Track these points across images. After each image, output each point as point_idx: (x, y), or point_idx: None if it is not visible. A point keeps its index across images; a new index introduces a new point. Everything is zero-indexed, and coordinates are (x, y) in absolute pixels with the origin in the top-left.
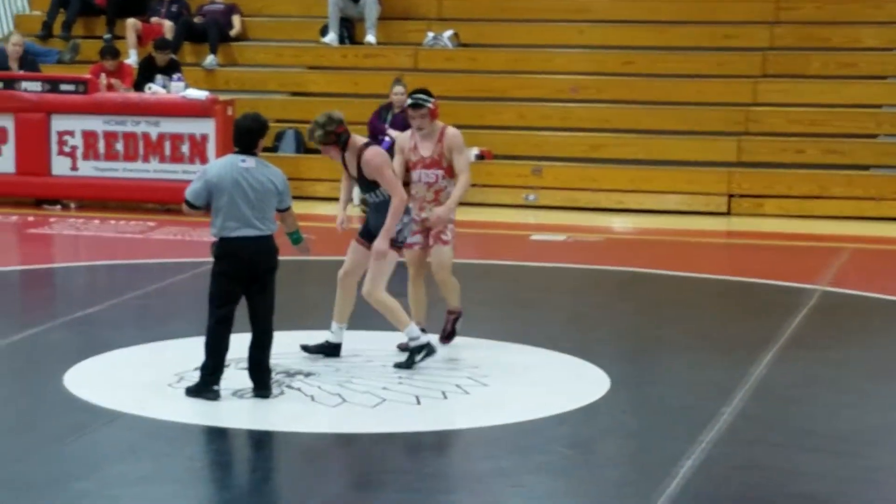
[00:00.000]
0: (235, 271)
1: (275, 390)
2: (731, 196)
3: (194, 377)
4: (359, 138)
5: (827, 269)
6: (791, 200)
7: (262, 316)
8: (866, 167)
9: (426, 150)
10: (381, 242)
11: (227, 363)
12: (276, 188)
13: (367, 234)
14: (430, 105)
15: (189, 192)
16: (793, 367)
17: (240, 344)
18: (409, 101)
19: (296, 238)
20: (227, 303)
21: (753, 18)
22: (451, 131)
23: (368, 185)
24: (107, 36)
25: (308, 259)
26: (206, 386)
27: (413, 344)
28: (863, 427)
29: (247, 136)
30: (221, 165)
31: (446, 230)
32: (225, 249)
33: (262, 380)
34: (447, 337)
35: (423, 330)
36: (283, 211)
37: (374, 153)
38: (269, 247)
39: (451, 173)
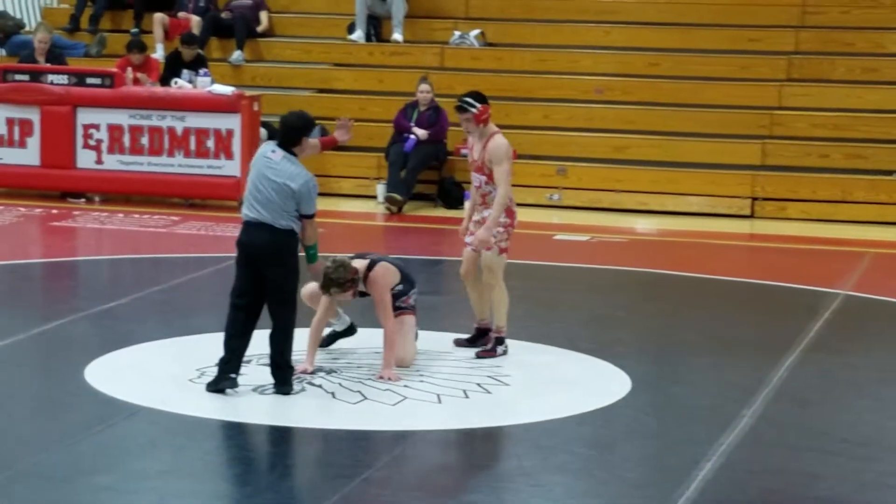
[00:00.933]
0: (245, 260)
1: (296, 387)
2: (754, 199)
3: (215, 372)
4: (360, 262)
5: (849, 273)
6: (814, 204)
7: (277, 312)
8: (890, 172)
9: (476, 153)
10: (387, 372)
11: (248, 358)
12: (291, 189)
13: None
14: (473, 110)
15: None
16: (814, 371)
17: (263, 340)
18: (457, 102)
19: (312, 255)
20: (243, 293)
21: (779, 22)
22: (494, 143)
23: None
24: (134, 30)
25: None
26: (223, 374)
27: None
28: (882, 431)
29: (288, 132)
30: (258, 151)
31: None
32: (239, 236)
33: (282, 377)
34: (483, 353)
35: (480, 330)
36: (306, 218)
37: (382, 275)
38: (275, 240)
39: (494, 179)
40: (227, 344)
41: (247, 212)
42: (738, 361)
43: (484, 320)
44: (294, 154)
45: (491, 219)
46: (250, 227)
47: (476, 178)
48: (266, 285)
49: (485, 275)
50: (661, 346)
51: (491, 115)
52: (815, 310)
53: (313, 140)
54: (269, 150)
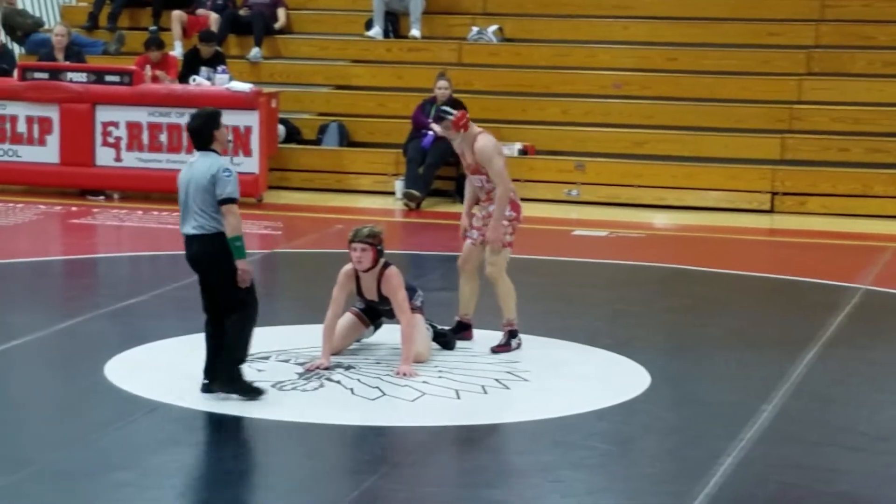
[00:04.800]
0: (196, 273)
1: (314, 383)
2: (774, 194)
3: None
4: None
5: (869, 268)
6: (834, 199)
7: (228, 320)
8: None
9: (469, 157)
10: (406, 368)
11: (266, 354)
12: (211, 176)
13: (369, 312)
14: (450, 117)
15: None
16: (833, 366)
17: (283, 335)
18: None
19: (238, 248)
20: (206, 308)
21: (798, 16)
22: (479, 144)
23: (390, 310)
24: (152, 28)
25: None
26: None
27: None
28: None
29: (195, 136)
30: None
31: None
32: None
33: (228, 378)
34: (498, 348)
35: (462, 324)
36: (224, 203)
37: (396, 272)
38: (209, 248)
39: (491, 177)
40: (208, 358)
41: (181, 229)
42: (757, 357)
43: (467, 315)
44: (213, 150)
45: (495, 219)
46: (186, 241)
47: (477, 180)
48: (217, 295)
49: (488, 269)
50: (680, 341)
51: (469, 119)
52: (836, 305)
53: (222, 130)
54: (188, 161)
